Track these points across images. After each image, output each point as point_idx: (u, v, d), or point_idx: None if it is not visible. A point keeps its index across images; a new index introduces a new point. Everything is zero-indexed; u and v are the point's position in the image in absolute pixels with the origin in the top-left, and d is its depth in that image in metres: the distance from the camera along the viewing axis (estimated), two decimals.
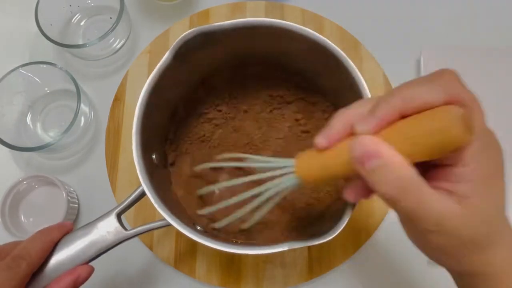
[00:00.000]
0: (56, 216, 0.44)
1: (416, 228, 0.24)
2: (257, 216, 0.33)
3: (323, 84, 0.41)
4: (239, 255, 0.45)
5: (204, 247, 0.45)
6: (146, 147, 0.35)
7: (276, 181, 0.29)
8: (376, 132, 0.24)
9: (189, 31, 0.34)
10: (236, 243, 0.35)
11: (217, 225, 0.36)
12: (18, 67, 0.46)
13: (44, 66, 0.46)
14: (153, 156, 0.38)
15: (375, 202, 0.46)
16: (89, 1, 0.54)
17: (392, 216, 0.45)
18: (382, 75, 0.50)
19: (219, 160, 0.39)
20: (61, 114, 0.50)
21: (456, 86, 0.23)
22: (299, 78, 0.42)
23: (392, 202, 0.23)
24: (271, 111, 0.45)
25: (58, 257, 0.33)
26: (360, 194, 0.27)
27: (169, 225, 0.33)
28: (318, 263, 0.44)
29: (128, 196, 0.36)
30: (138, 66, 0.51)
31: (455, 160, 0.23)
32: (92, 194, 0.48)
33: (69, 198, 0.44)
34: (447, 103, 0.22)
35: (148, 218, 0.45)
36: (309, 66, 0.40)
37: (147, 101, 0.35)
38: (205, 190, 0.39)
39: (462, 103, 0.23)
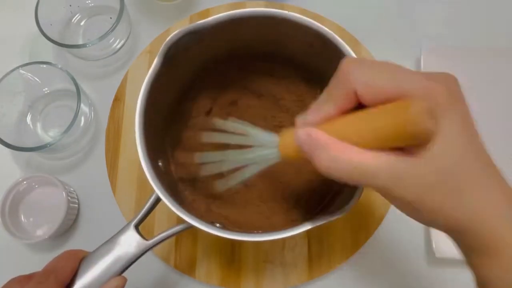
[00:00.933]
0: (56, 216, 0.44)
1: (385, 194, 0.25)
2: (234, 180, 0.33)
3: (322, 73, 0.41)
4: (239, 255, 0.45)
5: (204, 247, 0.45)
6: (152, 155, 0.35)
7: (259, 151, 0.31)
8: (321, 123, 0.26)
9: (174, 32, 0.35)
10: (257, 232, 0.35)
11: (202, 173, 0.35)
12: (18, 67, 0.46)
13: (44, 66, 0.46)
14: (160, 164, 0.38)
15: (375, 202, 0.46)
16: (89, 1, 0.54)
17: (392, 217, 0.45)
18: None
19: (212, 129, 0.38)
20: (61, 114, 0.50)
21: (356, 75, 0.25)
22: (298, 68, 0.42)
23: (334, 173, 0.25)
24: (270, 103, 0.45)
25: (84, 280, 0.32)
26: None
27: (189, 228, 0.33)
28: (318, 263, 0.44)
29: (143, 206, 0.35)
30: (138, 66, 0.51)
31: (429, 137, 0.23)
32: (92, 194, 0.48)
33: (69, 198, 0.44)
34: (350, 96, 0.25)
35: (150, 227, 0.45)
36: (310, 59, 0.40)
37: (145, 109, 0.35)
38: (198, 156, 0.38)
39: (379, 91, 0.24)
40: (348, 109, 0.25)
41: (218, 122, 0.35)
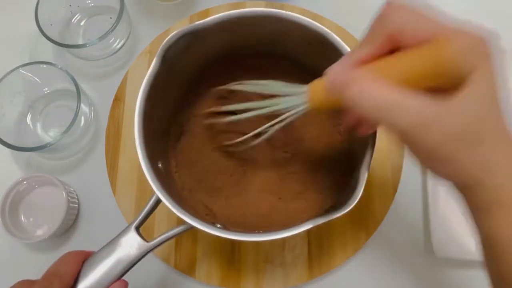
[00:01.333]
0: (56, 216, 0.44)
1: (402, 134, 0.24)
2: (266, 135, 0.36)
3: (321, 72, 0.41)
4: (239, 256, 0.45)
5: (204, 247, 0.45)
6: (151, 156, 0.35)
7: (287, 100, 0.32)
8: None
9: (173, 33, 0.35)
10: (257, 232, 0.36)
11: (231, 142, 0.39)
12: (18, 67, 0.46)
13: (44, 66, 0.46)
14: (159, 165, 0.38)
15: (375, 202, 0.46)
16: (89, 1, 0.54)
17: (392, 216, 0.45)
18: None
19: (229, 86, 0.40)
20: (61, 114, 0.49)
21: (399, 18, 0.25)
22: (297, 67, 0.43)
23: (357, 108, 0.25)
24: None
25: (86, 283, 0.32)
26: (353, 124, 0.32)
27: (190, 229, 0.33)
28: (318, 263, 0.44)
29: (143, 208, 0.35)
30: (138, 66, 0.51)
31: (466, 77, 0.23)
32: (92, 194, 0.48)
33: (69, 198, 0.44)
34: (394, 37, 0.25)
35: (150, 228, 0.45)
36: (310, 59, 0.41)
37: (144, 110, 0.35)
38: (216, 120, 0.40)
39: (419, 33, 0.24)
40: (383, 53, 0.26)
41: (237, 86, 0.37)
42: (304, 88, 0.31)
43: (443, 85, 0.24)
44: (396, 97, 0.24)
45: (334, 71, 0.27)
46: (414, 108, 0.23)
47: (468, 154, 0.23)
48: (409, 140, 0.24)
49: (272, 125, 0.34)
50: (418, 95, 0.23)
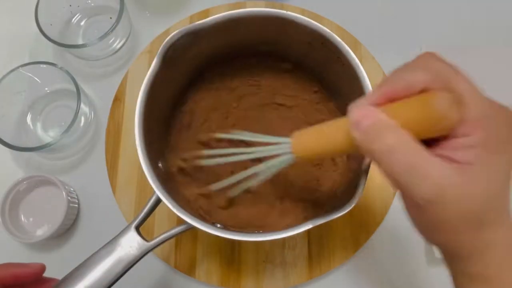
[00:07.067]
0: (56, 216, 0.44)
1: (413, 199, 0.23)
2: (245, 185, 0.36)
3: (320, 72, 0.42)
4: (239, 255, 0.45)
5: (204, 247, 0.45)
6: (151, 156, 0.35)
7: (272, 161, 0.32)
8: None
9: (173, 33, 0.35)
10: (257, 232, 0.36)
11: (213, 187, 0.38)
12: (18, 67, 0.46)
13: (44, 66, 0.46)
14: (159, 165, 0.38)
15: (375, 202, 0.46)
16: (89, 1, 0.54)
17: (392, 217, 0.45)
18: (382, 75, 0.50)
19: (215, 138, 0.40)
20: (61, 114, 0.49)
21: (435, 65, 0.24)
22: (297, 67, 0.43)
23: (386, 166, 0.23)
24: (268, 104, 0.45)
25: (86, 282, 0.32)
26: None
27: (189, 228, 0.33)
28: (318, 263, 0.44)
29: (143, 207, 0.35)
30: (138, 66, 0.51)
31: (456, 132, 0.23)
32: (92, 194, 0.48)
33: (69, 198, 0.44)
34: (429, 83, 0.23)
35: (150, 227, 0.45)
36: (309, 59, 0.41)
37: (144, 110, 0.35)
38: (205, 162, 0.39)
39: (445, 81, 0.23)
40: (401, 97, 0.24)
41: (221, 135, 0.37)
42: (287, 139, 0.31)
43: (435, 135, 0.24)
44: (418, 159, 0.22)
45: (361, 112, 0.24)
46: (434, 177, 0.22)
47: (473, 232, 0.23)
48: (420, 209, 0.24)
49: (256, 173, 0.34)
50: (433, 157, 0.23)
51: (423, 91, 0.23)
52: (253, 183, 0.35)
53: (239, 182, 0.36)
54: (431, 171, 0.22)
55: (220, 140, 0.42)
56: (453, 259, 0.26)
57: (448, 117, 0.22)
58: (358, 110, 0.24)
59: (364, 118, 0.24)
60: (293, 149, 0.30)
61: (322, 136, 0.29)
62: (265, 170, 0.33)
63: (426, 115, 0.23)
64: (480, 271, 0.24)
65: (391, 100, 0.24)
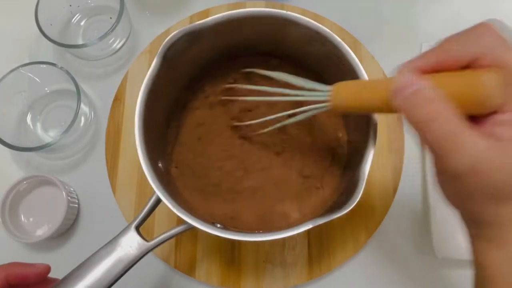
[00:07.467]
0: (56, 216, 0.44)
1: (446, 169, 0.24)
2: (280, 124, 0.37)
3: (320, 72, 0.42)
4: (239, 255, 0.45)
5: (204, 247, 0.45)
6: (151, 156, 0.35)
7: (309, 94, 0.33)
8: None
9: (173, 33, 0.35)
10: (258, 232, 0.36)
11: (247, 122, 0.40)
12: (18, 67, 0.46)
13: (44, 66, 0.46)
14: (159, 165, 0.38)
15: (375, 202, 0.46)
16: (89, 1, 0.54)
17: (392, 217, 0.45)
18: (382, 75, 0.50)
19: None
20: (61, 114, 0.49)
21: (488, 39, 0.24)
22: (297, 67, 0.43)
23: (424, 133, 0.24)
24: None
25: (86, 282, 0.32)
26: None
27: (189, 228, 0.33)
28: (318, 263, 0.44)
29: (143, 207, 0.35)
30: (138, 66, 0.51)
31: (499, 108, 0.23)
32: (92, 194, 0.48)
33: (69, 198, 0.44)
34: (479, 57, 0.23)
35: (150, 227, 0.45)
36: (309, 58, 0.41)
37: (144, 110, 0.35)
38: (247, 98, 0.40)
39: (496, 57, 0.23)
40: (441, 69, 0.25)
41: (263, 71, 0.37)
42: (328, 87, 0.32)
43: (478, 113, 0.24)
44: (456, 131, 0.23)
45: (403, 79, 0.25)
46: (469, 149, 0.23)
47: (500, 203, 0.24)
48: (453, 178, 0.24)
49: (289, 116, 0.35)
50: (471, 130, 0.23)
51: (470, 64, 0.24)
52: (287, 122, 0.36)
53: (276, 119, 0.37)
54: (468, 143, 0.23)
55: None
56: (474, 224, 0.26)
57: (493, 99, 0.23)
58: (403, 77, 0.25)
59: (408, 86, 0.24)
60: (332, 98, 0.31)
61: (363, 91, 0.29)
62: (300, 113, 0.34)
63: (471, 91, 0.23)
64: (498, 235, 0.24)
65: (436, 69, 0.25)
